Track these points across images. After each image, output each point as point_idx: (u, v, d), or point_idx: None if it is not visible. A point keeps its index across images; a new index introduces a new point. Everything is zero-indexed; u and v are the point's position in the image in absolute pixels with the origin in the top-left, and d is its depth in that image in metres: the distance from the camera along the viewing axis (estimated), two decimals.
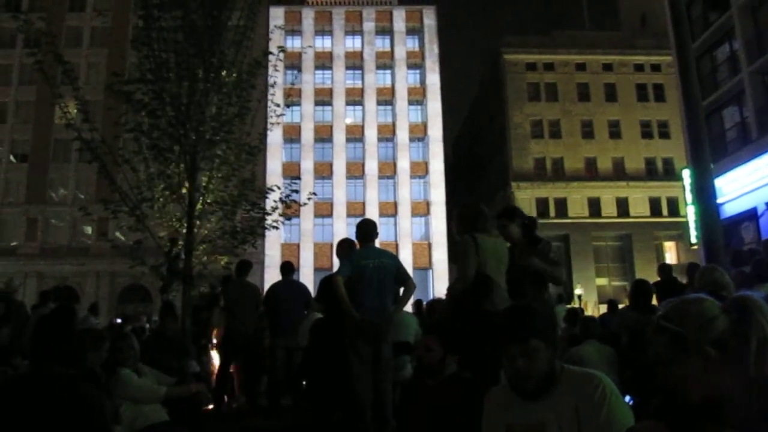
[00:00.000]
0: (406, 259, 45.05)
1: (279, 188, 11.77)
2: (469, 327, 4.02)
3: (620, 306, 11.90)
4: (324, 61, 53.16)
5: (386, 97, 52.82)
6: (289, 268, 9.02)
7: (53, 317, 6.11)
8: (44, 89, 36.85)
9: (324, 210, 48.88)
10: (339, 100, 52.66)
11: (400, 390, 5.77)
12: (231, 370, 8.98)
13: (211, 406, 8.09)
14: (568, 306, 12.44)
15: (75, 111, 10.58)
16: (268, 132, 12.41)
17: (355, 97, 52.78)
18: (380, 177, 51.09)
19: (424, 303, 11.73)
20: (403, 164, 51.29)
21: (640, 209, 49.36)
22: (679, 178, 31.39)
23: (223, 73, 10.81)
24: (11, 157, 48.16)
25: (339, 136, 51.87)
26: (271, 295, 8.58)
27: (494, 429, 2.43)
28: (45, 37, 10.68)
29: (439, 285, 44.90)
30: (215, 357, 9.35)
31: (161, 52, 10.56)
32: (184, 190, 10.50)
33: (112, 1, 46.64)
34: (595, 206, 49.37)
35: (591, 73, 51.97)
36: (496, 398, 2.50)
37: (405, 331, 6.92)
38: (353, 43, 54.04)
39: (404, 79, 53.23)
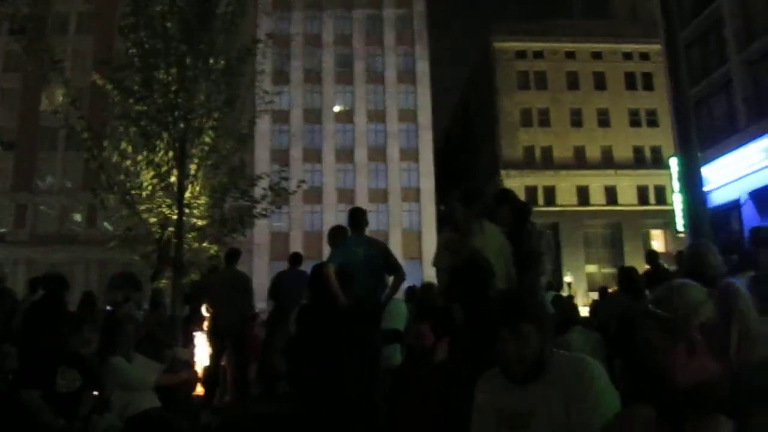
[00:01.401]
0: (396, 247, 45.07)
1: (268, 176, 11.75)
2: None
3: (610, 291, 11.99)
4: (313, 47, 52.83)
5: (376, 84, 52.62)
6: (296, 259, 9.07)
7: (42, 304, 6.09)
8: (30, 76, 36.55)
9: (313, 198, 48.75)
10: (328, 86, 52.42)
11: (390, 378, 5.80)
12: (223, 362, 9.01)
13: (200, 394, 8.11)
14: (555, 293, 12.56)
15: (62, 98, 10.50)
16: (257, 119, 12.37)
17: (344, 84, 52.54)
18: (370, 164, 50.98)
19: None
20: (393, 152, 51.20)
21: (628, 198, 49.63)
22: (667, 167, 31.56)
23: (212, 60, 10.73)
24: None
25: (328, 123, 51.69)
26: (276, 284, 8.65)
27: (485, 414, 2.46)
28: (31, 23, 10.58)
29: (429, 273, 44.94)
30: (200, 345, 9.32)
31: (149, 38, 10.47)
32: (173, 178, 10.45)
33: None
34: (583, 195, 49.60)
35: (580, 61, 52.03)
36: (486, 383, 2.53)
37: (395, 319, 6.94)
38: (342, 29, 53.72)
39: (394, 65, 53.03)
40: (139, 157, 10.51)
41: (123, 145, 10.52)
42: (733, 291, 1.55)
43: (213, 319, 8.55)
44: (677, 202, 27.14)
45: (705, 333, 1.62)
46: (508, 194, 5.48)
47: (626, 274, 6.82)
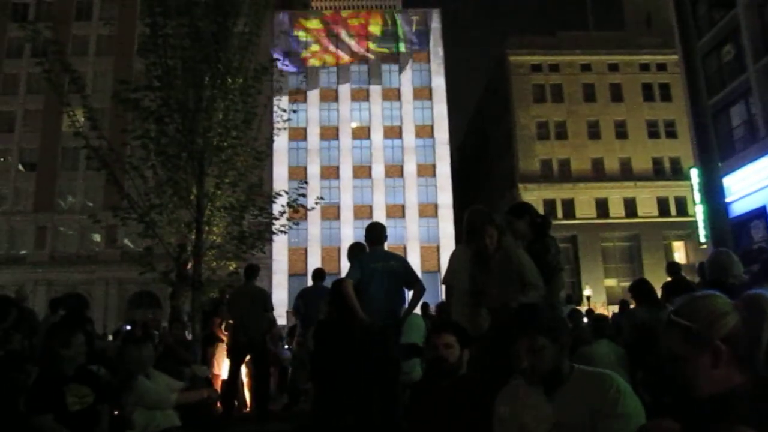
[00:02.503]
0: (414, 262, 44.95)
1: (287, 192, 11.83)
2: None
3: (631, 306, 11.86)
4: (329, 64, 53.20)
5: (392, 100, 52.81)
6: (319, 275, 9.12)
7: (64, 324, 6.14)
8: (52, 98, 37.07)
9: (331, 214, 48.90)
10: (344, 103, 52.69)
11: (409, 392, 5.77)
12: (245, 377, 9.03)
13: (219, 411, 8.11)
14: (573, 306, 12.45)
15: (83, 119, 10.65)
16: (275, 137, 12.47)
17: (360, 100, 52.79)
18: (387, 180, 51.07)
19: (431, 306, 11.74)
20: (410, 167, 51.27)
21: (648, 209, 49.16)
22: (687, 178, 31.26)
23: (229, 79, 10.85)
24: (20, 166, 48.40)
25: (345, 140, 51.91)
26: (300, 300, 8.70)
27: (507, 427, 2.44)
28: (52, 46, 10.76)
29: None
30: (220, 362, 9.37)
31: (168, 59, 10.61)
32: (192, 196, 10.54)
33: (118, 10, 46.90)
34: (602, 207, 49.22)
35: (596, 73, 51.85)
36: (508, 396, 2.51)
37: (414, 333, 6.91)
38: (358, 46, 54.08)
39: (410, 81, 53.23)
40: (159, 176, 10.63)
41: (142, 164, 10.65)
42: (761, 301, 1.53)
43: (233, 334, 8.58)
44: (699, 213, 26.87)
45: (730, 344, 1.60)
46: (527, 208, 5.42)
47: (640, 286, 6.76)
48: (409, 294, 6.10)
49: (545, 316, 2.46)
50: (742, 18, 25.14)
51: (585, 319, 10.93)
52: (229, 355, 8.77)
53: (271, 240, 11.71)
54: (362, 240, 6.41)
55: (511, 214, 5.17)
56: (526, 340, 2.35)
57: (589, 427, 2.21)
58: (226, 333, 9.30)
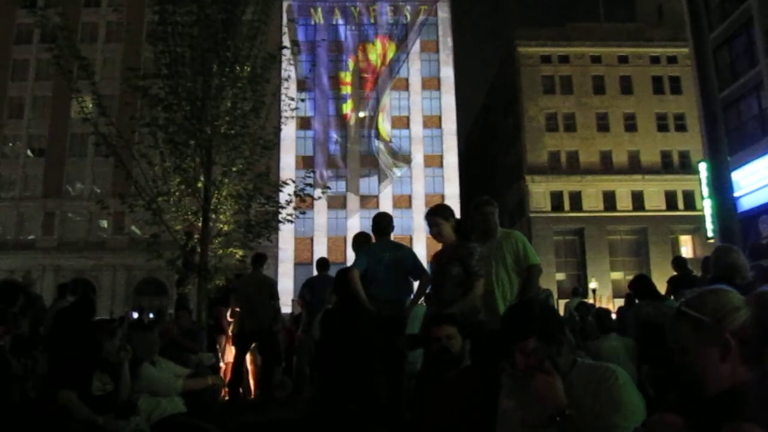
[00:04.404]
0: (421, 252, 44.86)
1: (293, 181, 11.84)
2: None
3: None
4: (338, 54, 53.00)
5: (400, 90, 52.62)
6: (324, 264, 9.16)
7: (75, 310, 6.19)
8: (61, 84, 37.16)
9: (338, 203, 48.91)
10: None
11: (414, 382, 5.78)
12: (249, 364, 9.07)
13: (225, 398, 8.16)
14: (580, 299, 12.44)
15: (91, 105, 10.67)
16: (282, 126, 12.47)
17: (368, 90, 52.60)
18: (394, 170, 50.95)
19: None
20: (417, 157, 51.15)
21: (655, 203, 48.92)
22: (696, 172, 31.09)
23: (238, 67, 10.85)
24: (28, 152, 48.59)
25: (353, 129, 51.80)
26: (306, 290, 8.75)
27: (509, 421, 2.44)
28: (61, 32, 10.77)
29: None
30: (226, 350, 9.41)
31: (176, 47, 10.62)
32: (199, 184, 10.58)
33: None
34: (610, 200, 49.00)
35: (606, 65, 51.49)
36: (511, 389, 2.51)
37: (419, 324, 6.92)
38: (366, 36, 53.84)
39: (418, 71, 53.02)
40: (166, 164, 10.67)
41: (150, 151, 10.69)
42: None
43: (239, 322, 8.62)
44: (707, 207, 26.73)
45: (739, 339, 1.59)
46: (451, 210, 5.24)
47: (640, 282, 6.74)
48: (416, 285, 6.11)
49: (536, 316, 2.42)
50: (755, 10, 24.92)
51: None
52: (235, 342, 8.82)
53: (277, 229, 11.74)
54: (369, 230, 6.42)
55: (439, 216, 5.01)
56: (518, 343, 2.32)
57: (590, 421, 2.20)
58: (231, 320, 9.36)
